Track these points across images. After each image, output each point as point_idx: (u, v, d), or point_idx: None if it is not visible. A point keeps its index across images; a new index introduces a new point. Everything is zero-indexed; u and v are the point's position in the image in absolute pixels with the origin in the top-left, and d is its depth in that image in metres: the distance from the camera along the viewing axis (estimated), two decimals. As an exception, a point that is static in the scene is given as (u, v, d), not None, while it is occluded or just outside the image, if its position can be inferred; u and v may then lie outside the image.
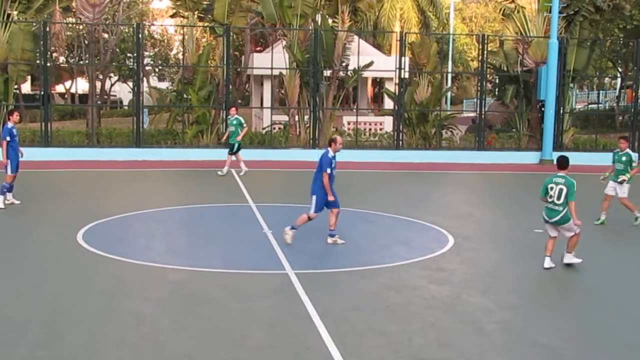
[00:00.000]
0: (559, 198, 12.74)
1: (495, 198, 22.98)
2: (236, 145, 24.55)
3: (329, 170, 14.40)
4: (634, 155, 18.09)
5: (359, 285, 11.95)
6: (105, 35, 37.73)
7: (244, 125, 25.02)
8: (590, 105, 53.70)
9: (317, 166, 14.69)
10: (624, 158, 17.74)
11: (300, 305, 10.67)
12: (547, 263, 12.99)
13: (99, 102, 35.06)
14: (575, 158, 20.46)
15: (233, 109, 25.25)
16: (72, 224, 16.02)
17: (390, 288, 11.72)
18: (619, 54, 45.35)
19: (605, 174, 18.16)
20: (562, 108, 32.35)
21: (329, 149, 14.73)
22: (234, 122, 24.63)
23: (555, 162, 13.36)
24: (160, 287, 11.63)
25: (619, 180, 17.51)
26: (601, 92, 53.41)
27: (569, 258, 13.13)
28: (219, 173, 24.21)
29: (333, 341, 9.22)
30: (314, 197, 14.53)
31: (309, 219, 14.64)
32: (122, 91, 62.53)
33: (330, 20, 34.34)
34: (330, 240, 14.75)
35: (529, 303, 11.26)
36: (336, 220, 14.73)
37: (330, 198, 14.44)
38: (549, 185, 12.91)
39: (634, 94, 34.35)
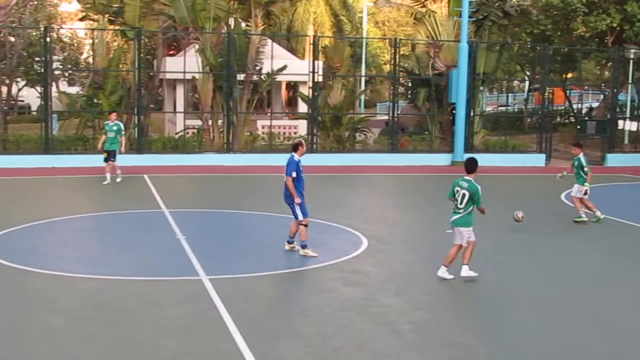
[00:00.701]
0: (461, 202, 12.50)
1: (409, 200, 23.23)
2: (115, 152, 23.81)
3: (294, 174, 14.23)
4: (584, 160, 18.72)
5: (274, 289, 11.93)
6: (12, 39, 36.83)
7: (123, 132, 24.48)
8: (499, 108, 54.86)
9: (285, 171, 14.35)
10: (576, 163, 18.76)
11: (215, 311, 10.59)
12: (441, 272, 12.49)
13: (5, 108, 34.20)
14: (486, 159, 20.96)
15: (113, 114, 24.48)
16: (-22, 233, 15.59)
17: (306, 291, 11.74)
18: (526, 58, 46.39)
19: (564, 173, 19.60)
20: (472, 110, 32.87)
21: (294, 153, 14.44)
22: (114, 128, 23.82)
23: (464, 164, 12.95)
24: (71, 296, 11.39)
25: (583, 190, 18.46)
26: (510, 94, 54.55)
27: (466, 271, 12.43)
28: (104, 182, 23.41)
29: (248, 346, 9.17)
30: (295, 204, 14.28)
31: (305, 226, 14.27)
32: (30, 96, 61.01)
33: (243, 24, 34.19)
34: (287, 246, 14.57)
35: (443, 303, 11.41)
36: (297, 230, 14.43)
37: (297, 200, 14.22)
38: (456, 188, 12.63)
39: (541, 97, 35.15)
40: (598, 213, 18.66)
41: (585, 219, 18.43)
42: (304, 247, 14.27)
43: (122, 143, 24.12)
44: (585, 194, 18.53)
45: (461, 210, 12.51)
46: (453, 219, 12.66)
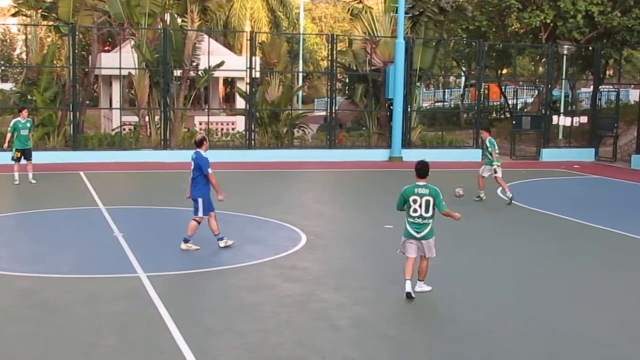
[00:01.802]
0: (427, 210, 11.18)
1: (347, 195, 23.35)
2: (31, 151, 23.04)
3: (210, 171, 14.15)
4: (488, 142, 20.70)
5: (212, 286, 11.91)
6: (-58, 34, 36.05)
7: (34, 128, 23.85)
8: (436, 104, 55.34)
9: (195, 168, 14.22)
10: (487, 144, 20.71)
11: (153, 309, 10.53)
12: (409, 286, 11.26)
13: (-64, 104, 33.40)
14: (423, 155, 21.07)
15: (24, 110, 23.54)
16: None
17: (244, 288, 11.73)
18: (462, 54, 46.90)
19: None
20: (409, 106, 33.12)
21: (201, 149, 14.35)
22: (27, 125, 22.99)
23: (415, 168, 11.46)
24: (7, 295, 11.22)
25: (493, 168, 20.55)
26: (446, 90, 54.99)
27: (421, 286, 11.58)
28: (16, 182, 22.76)
29: (187, 344, 9.15)
30: (200, 200, 14.14)
31: (199, 223, 14.23)
32: (-38, 93, 59.92)
33: (179, 20, 33.95)
34: (222, 243, 14.44)
35: (380, 297, 11.51)
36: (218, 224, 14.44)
37: (221, 197, 14.20)
38: (412, 198, 11.21)
39: (477, 93, 35.62)
40: (509, 193, 20.36)
41: (484, 198, 20.44)
42: (186, 241, 14.22)
43: (30, 139, 23.25)
44: (495, 172, 20.47)
45: (429, 220, 11.26)
46: (423, 233, 11.26)
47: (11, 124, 23.26)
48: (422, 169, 11.38)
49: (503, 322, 10.49)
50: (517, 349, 9.51)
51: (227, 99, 53.22)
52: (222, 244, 14.43)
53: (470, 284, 12.46)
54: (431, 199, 11.17)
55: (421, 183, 11.28)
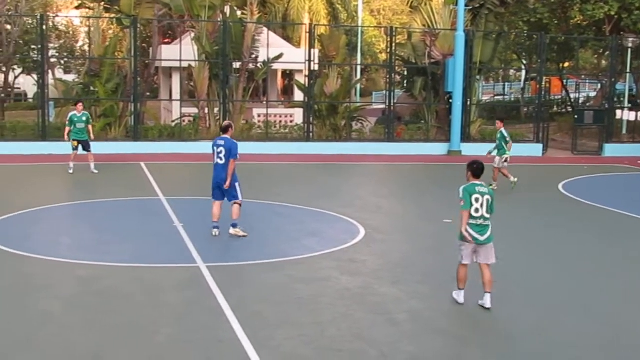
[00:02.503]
0: (488, 211, 10.56)
1: (405, 189, 23.26)
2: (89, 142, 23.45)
3: (238, 156, 14.46)
4: (506, 133, 21.37)
5: (270, 277, 11.95)
6: (8, 27, 36.75)
7: (91, 121, 24.27)
8: (496, 97, 54.84)
9: (227, 154, 14.36)
10: (498, 135, 21.30)
11: (212, 299, 10.61)
12: (462, 297, 10.78)
13: (2, 95, 34.13)
14: (482, 149, 21.02)
15: (80, 104, 23.91)
16: (-25, 220, 15.59)
17: (302, 280, 11.75)
18: (523, 47, 46.32)
19: (490, 150, 21.58)
20: (469, 100, 32.86)
21: (227, 135, 14.67)
22: (84, 118, 23.29)
23: (470, 169, 10.83)
24: (69, 283, 11.40)
25: (504, 159, 21.03)
26: (507, 84, 54.52)
27: (486, 299, 10.61)
28: (70, 171, 23.12)
29: (245, 334, 9.19)
30: (237, 184, 14.49)
31: (240, 205, 14.60)
32: (27, 84, 60.89)
33: (239, 12, 34.18)
34: (232, 231, 14.69)
35: (438, 292, 11.43)
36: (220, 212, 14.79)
37: (227, 185, 14.40)
38: (474, 196, 10.52)
39: (538, 86, 35.15)
40: (512, 178, 20.93)
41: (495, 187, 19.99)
42: (235, 225, 14.53)
43: (91, 131, 23.68)
44: (506, 161, 21.10)
45: (489, 221, 10.60)
46: (486, 236, 10.58)
47: (68, 117, 23.65)
48: (479, 168, 10.77)
49: (560, 320, 10.33)
50: (574, 346, 9.37)
51: (285, 92, 53.36)
52: (232, 231, 14.59)
53: (527, 280, 12.31)
54: (490, 199, 10.57)
55: (479, 182, 10.69)
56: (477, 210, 10.47)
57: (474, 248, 10.58)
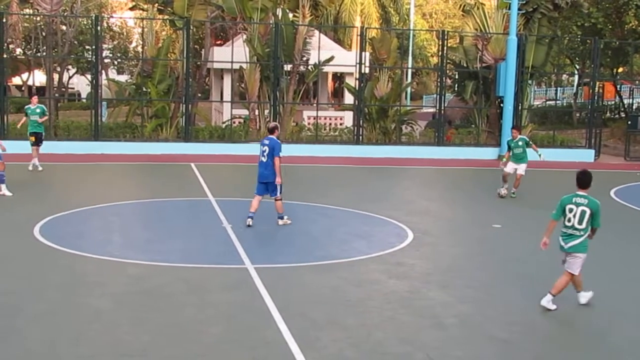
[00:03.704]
0: (580, 222, 10.50)
1: (454, 193, 23.10)
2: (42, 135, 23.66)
3: (282, 154, 15.44)
4: (528, 139, 21.38)
5: (318, 279, 11.95)
6: (63, 27, 37.27)
7: (46, 113, 24.50)
8: (548, 102, 54.24)
9: (270, 152, 15.38)
10: (520, 142, 20.68)
11: (260, 300, 10.64)
12: (547, 302, 10.64)
13: (56, 95, 34.64)
14: (533, 154, 20.80)
15: (34, 97, 24.12)
16: (28, 218, 15.83)
17: (350, 282, 11.73)
18: (576, 51, 45.83)
19: (503, 159, 21.26)
20: (520, 104, 32.61)
21: (272, 136, 15.69)
22: (37, 110, 23.49)
23: (577, 177, 10.78)
24: (119, 281, 11.52)
25: (541, 158, 20.88)
26: (559, 88, 53.90)
27: (549, 301, 10.64)
28: (30, 169, 23.34)
29: (292, 335, 9.20)
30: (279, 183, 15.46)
31: (281, 200, 15.69)
32: (81, 84, 61.83)
33: (290, 15, 34.28)
34: (281, 222, 15.86)
35: (487, 297, 11.33)
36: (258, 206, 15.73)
37: (279, 180, 15.40)
38: (568, 206, 10.59)
39: (591, 91, 34.72)
40: (504, 190, 20.58)
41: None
42: (282, 217, 15.81)
43: (41, 122, 23.74)
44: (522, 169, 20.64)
45: (581, 232, 10.53)
46: (571, 245, 10.58)
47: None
48: (583, 178, 10.71)
49: (620, 328, 10.17)
50: (633, 354, 9.21)
51: (335, 94, 53.43)
52: (281, 222, 15.81)
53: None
54: (588, 210, 10.46)
55: (581, 193, 10.65)
56: (569, 220, 10.60)
57: (563, 255, 10.77)
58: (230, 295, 10.96)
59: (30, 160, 23.32)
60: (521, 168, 20.51)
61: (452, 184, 25.38)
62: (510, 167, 20.56)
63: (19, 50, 43.74)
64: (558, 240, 10.73)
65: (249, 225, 15.42)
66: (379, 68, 34.11)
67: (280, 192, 15.59)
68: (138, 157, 27.56)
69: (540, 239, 10.86)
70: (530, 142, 20.88)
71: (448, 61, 34.65)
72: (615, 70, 45.05)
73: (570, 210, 10.56)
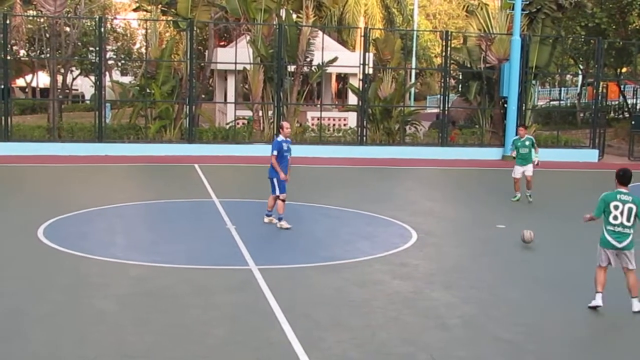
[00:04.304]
0: (628, 219, 10.53)
1: (458, 194, 23.09)
2: None
3: (275, 152, 15.50)
4: (534, 138, 20.69)
5: (322, 280, 11.95)
6: (67, 29, 37.34)
7: None
8: (552, 102, 54.15)
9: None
10: (527, 142, 20.13)
11: (264, 301, 10.64)
12: (600, 300, 10.66)
13: (60, 96, 34.73)
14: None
15: None
16: (32, 219, 15.83)
17: (354, 283, 11.73)
18: (580, 52, 45.75)
19: (512, 158, 20.73)
20: (524, 105, 32.57)
21: (279, 135, 16.09)
22: None
23: (616, 176, 10.81)
24: (122, 282, 11.53)
25: (536, 162, 20.06)
26: (563, 89, 53.73)
27: (637, 304, 10.65)
28: None
29: (296, 336, 9.20)
30: (274, 180, 15.59)
31: (282, 201, 15.58)
32: (84, 85, 61.94)
33: (294, 16, 34.29)
34: (266, 219, 15.99)
35: (491, 298, 11.33)
36: (275, 204, 15.74)
37: (282, 177, 15.44)
38: (613, 203, 10.59)
39: (594, 91, 34.69)
40: (519, 194, 20.12)
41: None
42: (280, 219, 15.59)
43: None
44: (537, 164, 20.28)
45: (630, 230, 10.58)
46: (625, 243, 10.59)
47: None
48: (625, 175, 10.76)
49: (626, 328, 10.15)
50: (637, 355, 9.20)
51: (339, 95, 53.39)
52: (266, 219, 16.02)
53: (584, 286, 12.09)
54: (634, 207, 10.55)
55: (624, 190, 10.70)
56: (615, 218, 10.59)
57: (615, 253, 10.69)
58: (235, 297, 10.96)
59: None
60: (529, 170, 19.95)
61: (455, 184, 25.36)
62: (518, 172, 20.01)
63: (22, 52, 43.84)
64: (604, 237, 10.68)
65: (265, 222, 15.92)
66: (383, 69, 34.08)
67: (282, 192, 15.53)
68: (142, 158, 27.56)
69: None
70: (536, 145, 20.41)
71: (452, 62, 34.62)
72: (619, 70, 44.96)
73: (616, 207, 10.58)
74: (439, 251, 14.44)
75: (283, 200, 15.60)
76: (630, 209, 10.54)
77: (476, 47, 34.34)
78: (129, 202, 18.75)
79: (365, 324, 9.82)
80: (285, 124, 16.26)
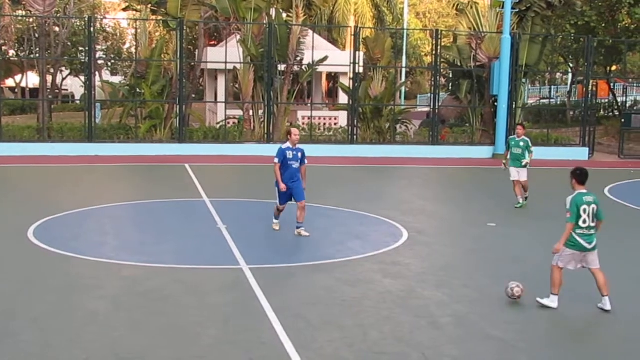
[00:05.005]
0: (593, 220, 10.57)
1: (449, 192, 23.14)
2: None
3: (276, 160, 14.81)
4: (530, 141, 19.47)
5: (313, 280, 11.96)
6: (57, 29, 37.25)
7: None
8: (542, 101, 54.32)
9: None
10: (521, 143, 19.12)
11: (255, 301, 10.64)
12: (556, 302, 10.71)
13: (50, 97, 34.59)
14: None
15: None
16: (22, 220, 15.79)
17: (345, 282, 11.74)
18: (570, 50, 45.86)
19: (504, 160, 19.55)
20: (514, 103, 32.64)
21: (286, 142, 15.16)
22: None
23: (574, 175, 10.79)
24: (114, 283, 11.51)
25: (523, 164, 18.88)
26: (553, 87, 53.95)
27: (609, 302, 10.70)
28: None
29: (288, 336, 9.21)
30: (276, 189, 14.96)
31: (278, 210, 15.16)
32: (74, 85, 61.76)
33: (284, 15, 34.28)
34: (295, 231, 15.01)
35: (483, 296, 11.35)
36: (302, 213, 14.89)
37: (282, 187, 14.68)
38: (582, 207, 10.47)
39: (584, 90, 34.78)
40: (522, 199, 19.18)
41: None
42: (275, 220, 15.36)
43: None
44: (525, 166, 19.11)
45: (594, 230, 10.61)
46: (594, 244, 10.60)
47: None
48: (584, 174, 10.77)
49: (615, 326, 10.18)
50: (623, 351, 9.24)
51: (330, 94, 53.41)
52: (296, 232, 15.04)
53: (572, 285, 12.13)
54: (596, 207, 10.59)
55: (584, 191, 10.66)
56: (584, 222, 10.52)
57: (580, 256, 10.64)
58: (226, 297, 10.96)
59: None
60: (523, 174, 19.03)
61: (446, 183, 25.41)
62: (514, 174, 19.03)
63: (12, 52, 43.69)
64: (576, 240, 10.53)
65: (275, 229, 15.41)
66: (373, 68, 34.09)
67: (281, 203, 15.02)
68: (132, 158, 27.52)
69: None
70: (531, 149, 19.21)
71: (442, 60, 34.66)
72: (608, 68, 45.10)
73: (585, 211, 10.51)
74: (430, 250, 14.46)
75: (279, 210, 15.17)
76: (594, 210, 10.57)
77: (466, 46, 34.40)
78: (119, 203, 18.71)
79: (357, 324, 9.83)
80: (294, 131, 15.14)
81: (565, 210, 10.59)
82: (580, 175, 10.74)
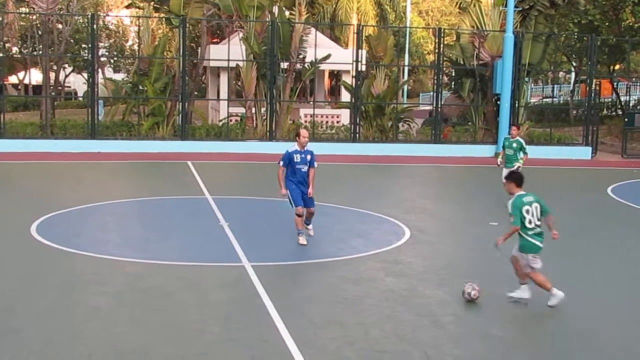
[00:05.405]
0: (539, 218, 10.68)
1: (451, 191, 23.13)
2: None
3: (281, 164, 14.05)
4: (524, 142, 19.06)
5: (316, 277, 11.96)
6: (60, 26, 37.26)
7: None
8: (544, 99, 54.25)
9: None
10: (514, 145, 18.77)
11: (257, 298, 10.65)
12: (559, 293, 10.68)
13: (53, 93, 34.65)
14: (530, 152, 20.75)
15: None
16: (25, 216, 15.80)
17: (348, 280, 11.74)
18: (573, 49, 45.80)
19: (500, 158, 19.52)
20: (517, 102, 32.62)
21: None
22: None
23: (511, 179, 10.98)
24: (117, 280, 11.52)
25: (515, 166, 18.04)
26: (556, 86, 53.81)
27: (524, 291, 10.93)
28: None
29: (290, 334, 9.21)
30: (288, 193, 14.05)
31: (298, 216, 14.00)
32: (77, 82, 61.85)
33: (287, 12, 34.27)
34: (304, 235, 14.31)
35: (483, 295, 11.33)
36: (310, 216, 14.39)
37: (283, 192, 14.04)
38: (524, 208, 10.57)
39: (588, 89, 34.75)
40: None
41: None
42: (300, 234, 14.08)
43: None
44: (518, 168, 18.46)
45: (541, 228, 10.70)
46: (542, 243, 10.68)
47: None
48: (521, 178, 10.92)
49: (615, 325, 10.18)
50: (627, 350, 9.24)
51: (332, 92, 53.39)
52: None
53: (576, 285, 12.15)
54: (538, 205, 10.68)
55: (523, 192, 10.74)
56: (530, 222, 10.57)
57: (528, 257, 10.69)
58: (228, 294, 10.97)
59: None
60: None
61: (449, 181, 25.41)
62: (505, 175, 18.97)
63: (15, 49, 43.72)
64: (532, 243, 10.60)
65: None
66: (376, 66, 34.08)
67: (297, 205, 13.92)
68: (135, 155, 27.53)
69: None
70: (525, 150, 18.86)
71: (445, 59, 34.65)
72: (612, 67, 45.05)
73: (528, 212, 10.57)
74: (432, 248, 14.46)
75: (298, 215, 13.96)
76: (537, 208, 10.63)
77: (469, 44, 34.39)
78: (122, 199, 18.73)
79: (359, 322, 9.84)
80: (303, 132, 14.24)
81: (509, 215, 10.66)
82: (517, 178, 10.87)
